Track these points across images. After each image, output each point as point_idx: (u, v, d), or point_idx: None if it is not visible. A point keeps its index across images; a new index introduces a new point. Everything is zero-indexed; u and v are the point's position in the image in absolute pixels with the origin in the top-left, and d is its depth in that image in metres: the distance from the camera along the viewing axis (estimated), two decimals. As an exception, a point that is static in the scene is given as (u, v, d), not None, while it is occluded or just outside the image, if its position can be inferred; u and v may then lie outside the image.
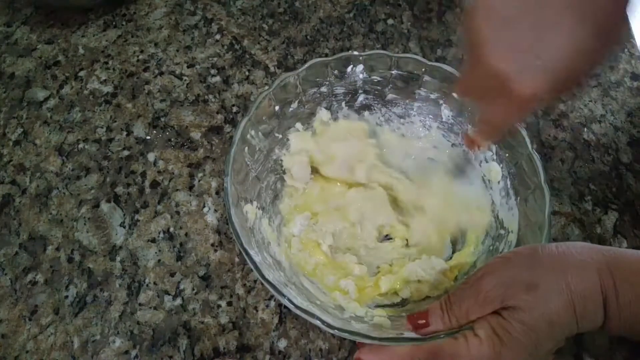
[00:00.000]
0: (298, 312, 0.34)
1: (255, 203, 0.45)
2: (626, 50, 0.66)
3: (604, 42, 0.29)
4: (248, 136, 0.44)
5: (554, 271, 0.32)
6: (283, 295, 0.35)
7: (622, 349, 0.44)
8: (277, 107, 0.47)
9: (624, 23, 0.30)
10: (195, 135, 0.58)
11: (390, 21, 0.69)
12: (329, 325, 0.34)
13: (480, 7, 0.30)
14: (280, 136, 0.49)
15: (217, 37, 0.67)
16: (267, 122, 0.47)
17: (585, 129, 0.58)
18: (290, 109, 0.48)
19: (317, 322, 0.34)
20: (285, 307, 0.41)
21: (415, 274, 0.43)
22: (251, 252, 0.38)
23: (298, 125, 0.50)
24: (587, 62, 0.29)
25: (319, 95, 0.50)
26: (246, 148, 0.44)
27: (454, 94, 0.47)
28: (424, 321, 0.34)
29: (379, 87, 0.50)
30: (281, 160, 0.49)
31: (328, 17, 0.69)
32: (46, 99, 0.61)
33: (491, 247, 0.44)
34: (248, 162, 0.45)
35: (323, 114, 0.51)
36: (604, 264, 0.32)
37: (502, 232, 0.44)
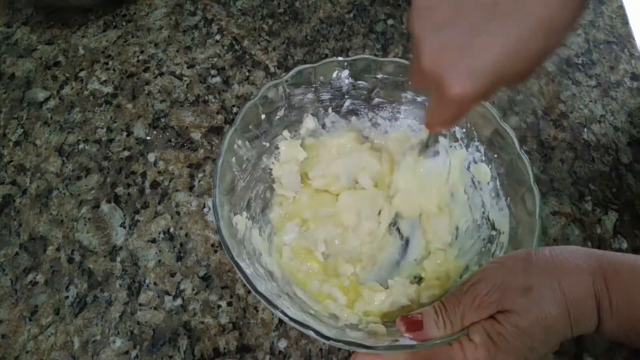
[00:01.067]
0: (292, 323, 0.34)
1: (245, 214, 0.44)
2: (626, 50, 0.66)
3: (539, 45, 0.28)
4: (235, 146, 0.44)
5: (548, 276, 0.33)
6: (276, 308, 0.35)
7: (622, 349, 0.44)
8: (263, 116, 0.47)
9: (567, 27, 0.29)
10: (196, 135, 0.58)
11: (390, 21, 0.69)
12: (323, 336, 0.34)
13: (415, 9, 0.30)
14: (268, 144, 0.48)
15: (217, 37, 0.67)
16: (254, 130, 0.46)
17: (585, 129, 0.58)
18: (277, 117, 0.48)
19: (311, 333, 0.34)
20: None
21: (399, 303, 0.43)
22: (242, 265, 0.37)
23: (285, 133, 0.49)
24: (519, 64, 0.28)
25: (305, 102, 0.49)
26: (233, 158, 0.44)
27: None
28: (418, 323, 0.34)
29: (365, 92, 0.50)
30: (270, 169, 0.49)
31: (328, 17, 0.69)
32: (46, 100, 0.61)
33: (483, 249, 0.44)
34: (236, 172, 0.44)
35: (309, 121, 0.50)
36: (598, 268, 0.33)
37: (494, 233, 0.44)
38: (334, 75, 0.49)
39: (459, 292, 0.34)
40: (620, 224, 0.51)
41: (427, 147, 0.47)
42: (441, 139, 0.48)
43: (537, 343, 0.31)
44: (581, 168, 0.55)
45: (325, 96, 0.50)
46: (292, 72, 0.47)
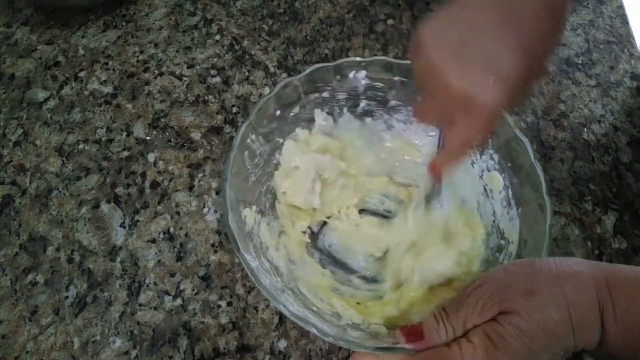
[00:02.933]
0: (293, 318, 0.34)
1: (254, 207, 0.44)
2: (626, 50, 0.66)
3: (542, 54, 0.33)
4: (248, 140, 0.44)
5: (550, 280, 0.32)
6: (279, 302, 0.35)
7: (622, 349, 0.44)
8: (278, 112, 0.47)
9: (557, 36, 0.36)
10: (195, 135, 0.58)
11: (390, 21, 0.69)
12: (323, 333, 0.34)
13: (426, 41, 0.34)
14: (281, 140, 0.48)
15: (217, 37, 0.67)
16: (268, 126, 0.46)
17: (585, 129, 0.58)
18: (292, 114, 0.48)
19: (313, 330, 0.34)
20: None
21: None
22: (248, 257, 0.37)
23: (298, 130, 0.49)
24: (533, 72, 0.33)
25: (320, 100, 0.49)
26: (246, 152, 0.44)
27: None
28: (418, 333, 0.34)
29: (381, 93, 0.50)
30: (281, 165, 0.49)
31: (328, 17, 0.69)
32: (46, 100, 0.61)
33: (491, 258, 0.44)
34: (248, 166, 0.44)
35: (321, 118, 0.50)
36: (601, 276, 0.32)
37: (503, 242, 0.44)
38: (351, 75, 0.48)
39: (460, 297, 0.34)
40: (620, 224, 0.51)
41: (431, 198, 0.47)
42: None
43: (538, 346, 0.31)
44: (581, 168, 0.55)
45: (341, 96, 0.50)
46: (308, 70, 0.47)
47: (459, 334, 0.33)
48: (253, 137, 0.45)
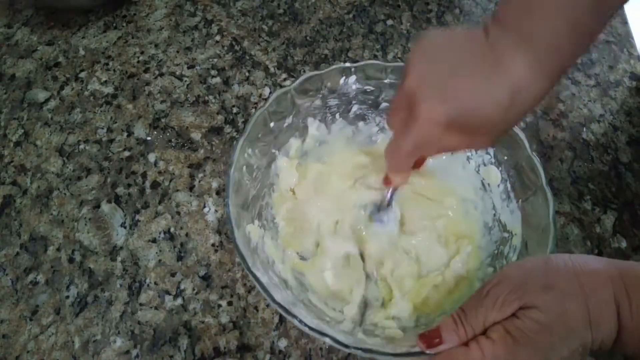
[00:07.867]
0: (311, 332, 0.34)
1: (257, 222, 0.44)
2: (625, 49, 0.66)
3: (504, 102, 0.32)
4: (245, 155, 0.44)
5: (568, 275, 0.33)
6: (294, 316, 0.35)
7: (622, 347, 0.44)
8: (272, 124, 0.47)
9: (533, 101, 0.34)
10: (196, 135, 0.58)
11: (389, 22, 0.69)
12: (342, 344, 0.34)
13: (418, 46, 0.35)
14: (277, 152, 0.49)
15: (217, 38, 0.67)
16: (263, 139, 0.46)
17: (585, 129, 0.58)
18: (285, 124, 0.48)
19: (329, 341, 0.34)
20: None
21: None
22: (257, 274, 0.37)
23: (292, 140, 0.50)
24: (483, 111, 0.33)
25: (313, 108, 0.49)
26: (244, 167, 0.44)
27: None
28: (437, 339, 0.34)
29: (372, 97, 0.50)
30: (277, 175, 0.49)
31: (328, 18, 0.69)
32: (47, 100, 0.61)
33: (495, 251, 0.44)
34: (247, 181, 0.44)
35: (314, 128, 0.50)
36: (616, 273, 0.32)
37: (506, 235, 0.44)
38: (341, 81, 0.49)
39: (478, 296, 0.34)
40: (620, 223, 0.51)
41: (379, 210, 0.47)
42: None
43: (557, 339, 0.31)
44: (580, 167, 0.55)
45: (333, 102, 0.50)
46: (299, 80, 0.47)
47: (479, 331, 0.33)
48: (250, 151, 0.45)
